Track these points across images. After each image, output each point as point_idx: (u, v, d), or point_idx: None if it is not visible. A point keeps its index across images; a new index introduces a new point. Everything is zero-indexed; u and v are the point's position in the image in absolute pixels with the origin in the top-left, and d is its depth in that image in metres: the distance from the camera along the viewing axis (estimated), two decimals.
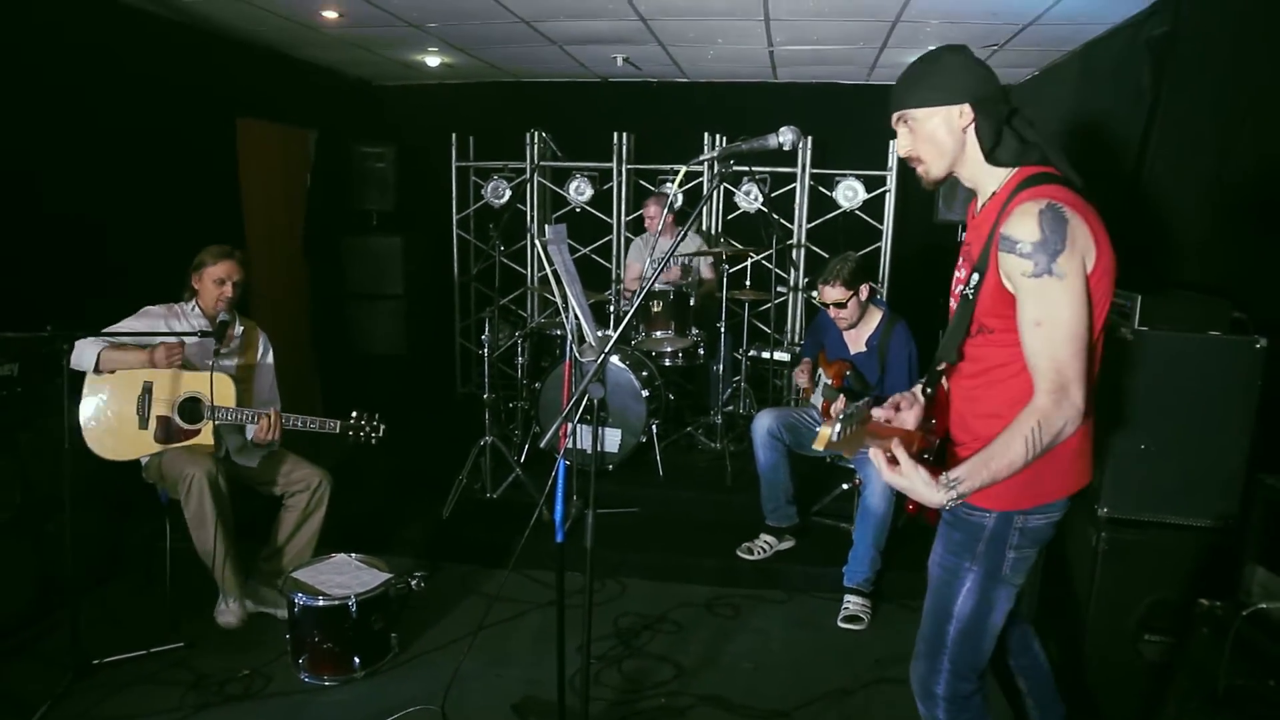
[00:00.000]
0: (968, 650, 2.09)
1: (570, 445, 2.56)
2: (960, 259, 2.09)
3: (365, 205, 6.61)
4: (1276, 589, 1.88)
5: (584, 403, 2.25)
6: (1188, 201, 3.58)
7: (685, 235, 2.35)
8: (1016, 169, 1.93)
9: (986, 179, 1.98)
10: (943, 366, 2.06)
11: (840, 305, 3.87)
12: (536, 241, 6.28)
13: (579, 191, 6.53)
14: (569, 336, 2.61)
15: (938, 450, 2.08)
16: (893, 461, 1.79)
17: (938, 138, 1.95)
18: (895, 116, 2.01)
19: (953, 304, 2.07)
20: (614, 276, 6.54)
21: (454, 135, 6.81)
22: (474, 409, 6.51)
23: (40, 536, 3.66)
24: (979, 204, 2.04)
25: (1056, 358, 1.77)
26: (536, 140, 6.58)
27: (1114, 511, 2.81)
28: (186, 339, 3.52)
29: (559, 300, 2.53)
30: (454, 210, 6.90)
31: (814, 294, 6.27)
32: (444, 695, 2.93)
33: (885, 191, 6.32)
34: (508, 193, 6.64)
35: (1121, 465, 2.78)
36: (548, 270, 2.54)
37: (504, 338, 6.39)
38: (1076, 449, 1.98)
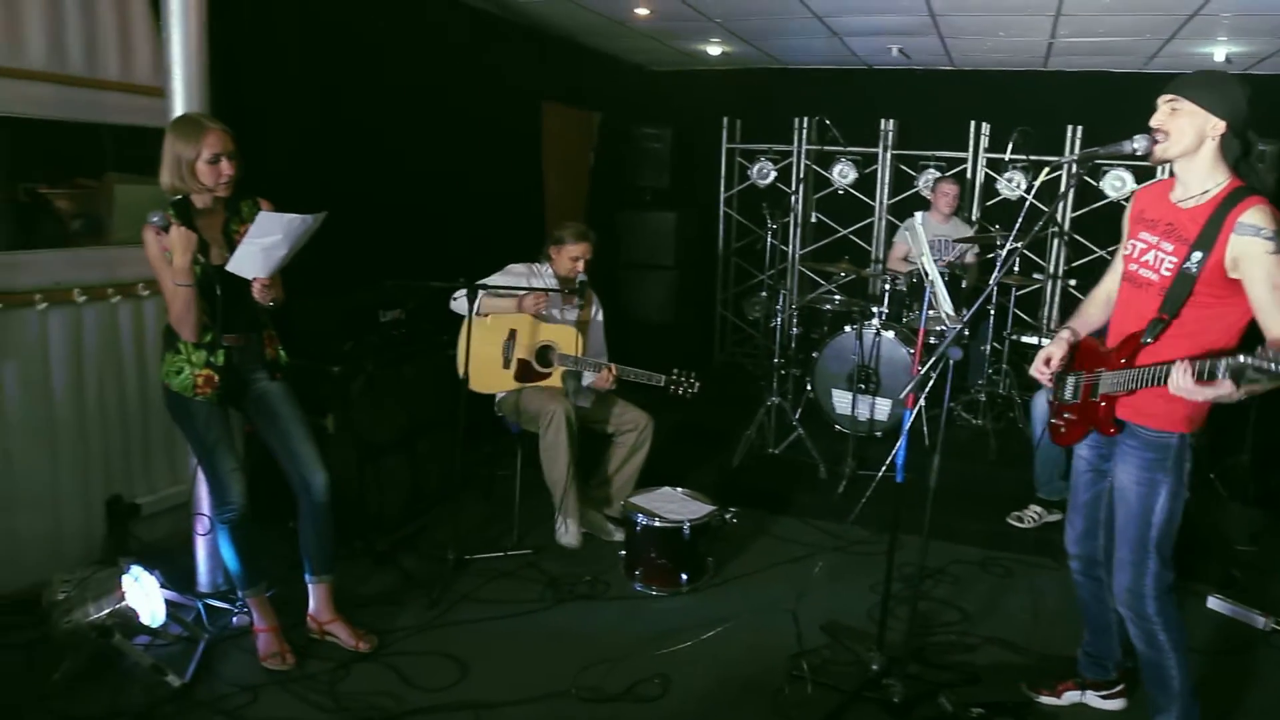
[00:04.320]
0: (1166, 548, 2.59)
1: (910, 408, 2.93)
2: (1149, 234, 2.56)
3: (641, 183, 7.21)
4: None
5: (938, 366, 2.64)
6: None
7: (1024, 230, 2.70)
8: (1232, 179, 2.42)
9: (1203, 179, 2.45)
10: (1165, 319, 2.49)
11: None
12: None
13: (842, 175, 6.88)
14: (924, 307, 3.01)
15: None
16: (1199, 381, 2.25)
17: (1187, 129, 2.40)
18: (1168, 97, 2.44)
19: (1139, 270, 2.57)
20: (873, 258, 6.87)
21: (725, 119, 7.30)
22: (730, 374, 7.07)
23: (413, 453, 4.46)
24: (1179, 196, 2.51)
25: None
26: (804, 125, 6.96)
27: None
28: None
29: (924, 276, 2.92)
30: (721, 189, 7.41)
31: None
32: (796, 599, 3.44)
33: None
34: (772, 174, 7.08)
35: None
36: (914, 254, 2.94)
37: (761, 309, 6.86)
38: None
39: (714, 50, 6.68)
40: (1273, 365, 2.04)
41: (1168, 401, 2.47)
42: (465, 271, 4.02)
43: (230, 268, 2.85)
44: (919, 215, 3.17)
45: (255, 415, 3.18)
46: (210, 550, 3.49)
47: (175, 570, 3.43)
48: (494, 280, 4.19)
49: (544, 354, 4.16)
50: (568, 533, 4.11)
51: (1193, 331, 2.45)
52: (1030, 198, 2.87)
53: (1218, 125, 2.38)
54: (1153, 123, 2.47)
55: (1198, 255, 2.38)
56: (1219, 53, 5.65)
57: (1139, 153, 2.49)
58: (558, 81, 6.56)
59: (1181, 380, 2.26)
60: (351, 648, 3.25)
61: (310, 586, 3.29)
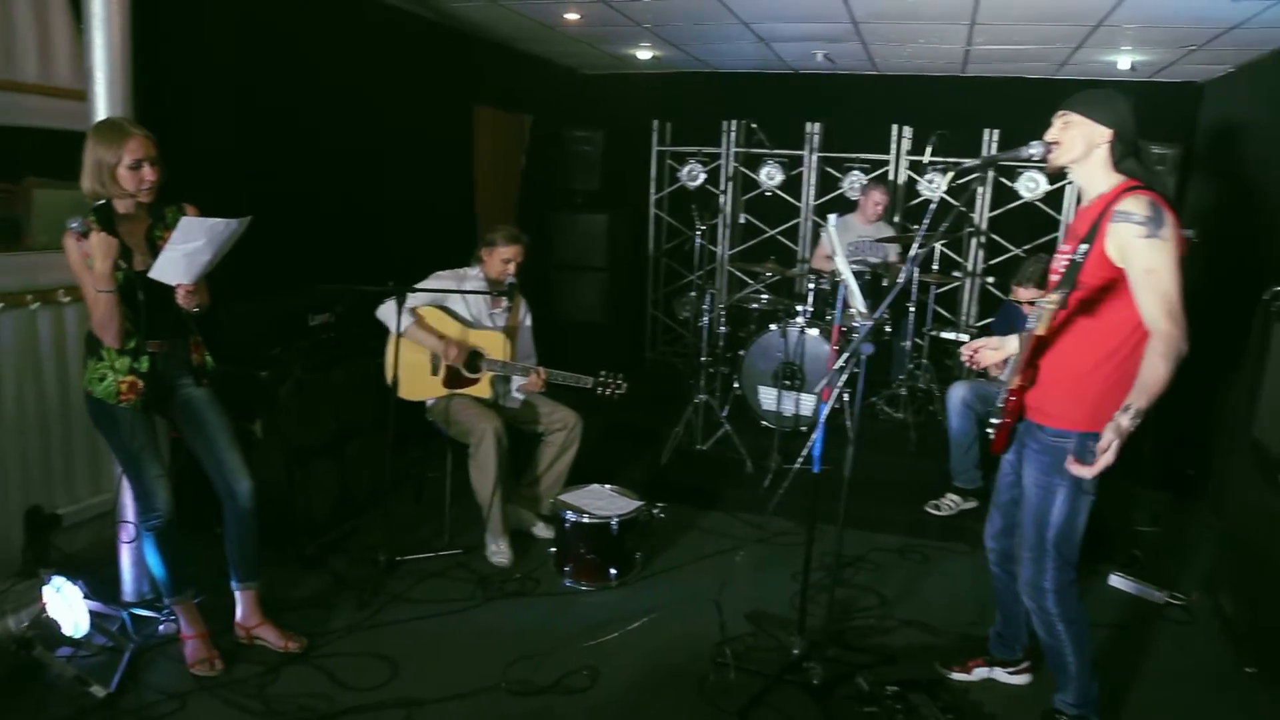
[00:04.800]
0: (1065, 548, 2.72)
1: (826, 404, 3.06)
2: (1063, 245, 2.76)
3: (572, 185, 7.27)
4: None
5: (851, 360, 2.77)
6: None
7: (940, 226, 2.84)
8: (1125, 180, 2.59)
9: (1098, 183, 2.64)
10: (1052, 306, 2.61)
11: (1033, 304, 4.26)
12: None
13: (769, 177, 7.03)
14: (837, 306, 3.16)
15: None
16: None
17: (1077, 139, 2.61)
18: (1060, 112, 2.66)
19: (1052, 277, 2.77)
20: (799, 258, 7.04)
21: (655, 122, 7.41)
22: (661, 373, 7.17)
23: (343, 457, 4.46)
24: (1083, 204, 2.72)
25: (1168, 295, 2.40)
26: (732, 128, 7.10)
27: None
28: (469, 297, 4.24)
29: (840, 276, 3.07)
30: (652, 191, 7.51)
31: (988, 280, 6.62)
32: (720, 590, 3.60)
33: (1067, 184, 6.54)
34: (702, 176, 7.20)
35: None
36: (832, 252, 3.08)
37: (690, 308, 6.99)
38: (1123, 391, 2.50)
39: (644, 54, 6.77)
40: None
41: (1066, 401, 2.63)
42: (395, 274, 4.04)
43: (153, 274, 2.84)
44: (833, 218, 3.31)
45: (181, 421, 3.18)
46: (135, 559, 3.46)
47: (99, 580, 3.39)
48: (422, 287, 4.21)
49: (472, 360, 4.20)
50: (499, 551, 4.09)
51: (1079, 320, 2.61)
52: (943, 196, 3.03)
53: (1104, 133, 2.58)
54: (1046, 136, 2.67)
55: (1084, 247, 2.53)
56: (1124, 61, 5.92)
57: (1035, 158, 2.67)
58: (490, 85, 6.59)
59: (1074, 470, 2.46)
60: (280, 649, 3.26)
61: (236, 593, 3.30)
